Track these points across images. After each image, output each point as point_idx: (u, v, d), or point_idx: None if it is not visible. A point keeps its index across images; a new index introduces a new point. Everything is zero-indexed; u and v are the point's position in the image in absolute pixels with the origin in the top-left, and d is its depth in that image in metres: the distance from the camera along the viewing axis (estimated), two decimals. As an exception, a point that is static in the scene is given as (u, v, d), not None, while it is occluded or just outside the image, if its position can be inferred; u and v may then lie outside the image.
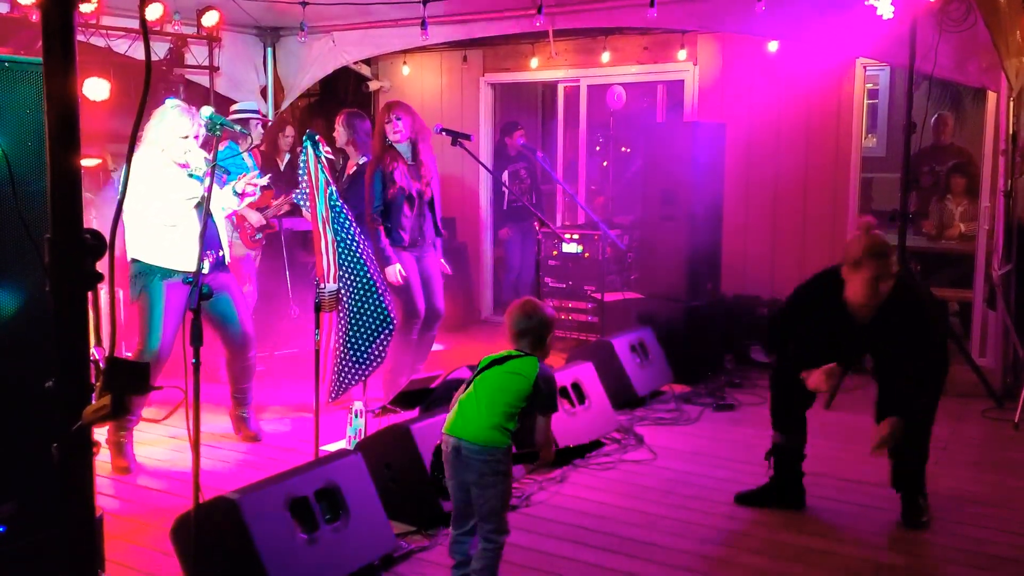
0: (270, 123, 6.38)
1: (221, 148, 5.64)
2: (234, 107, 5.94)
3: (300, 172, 4.03)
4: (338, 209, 4.03)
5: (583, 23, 6.76)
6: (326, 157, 3.99)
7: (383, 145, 5.21)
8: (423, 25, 5.71)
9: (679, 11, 6.37)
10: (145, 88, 1.49)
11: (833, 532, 3.81)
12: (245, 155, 5.84)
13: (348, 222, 4.05)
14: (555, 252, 6.83)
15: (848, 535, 3.78)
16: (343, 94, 9.14)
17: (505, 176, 7.81)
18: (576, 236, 6.93)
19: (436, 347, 5.89)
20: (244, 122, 5.75)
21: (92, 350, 1.35)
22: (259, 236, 6.07)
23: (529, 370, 2.96)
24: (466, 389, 3.05)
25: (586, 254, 6.88)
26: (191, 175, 4.20)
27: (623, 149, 8.60)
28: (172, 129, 4.29)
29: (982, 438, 5.08)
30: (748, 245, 7.09)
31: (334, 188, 3.98)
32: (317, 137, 4.00)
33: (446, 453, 2.98)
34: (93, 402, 1.28)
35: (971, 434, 5.14)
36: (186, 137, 4.30)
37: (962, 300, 6.93)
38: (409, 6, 6.00)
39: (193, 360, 2.76)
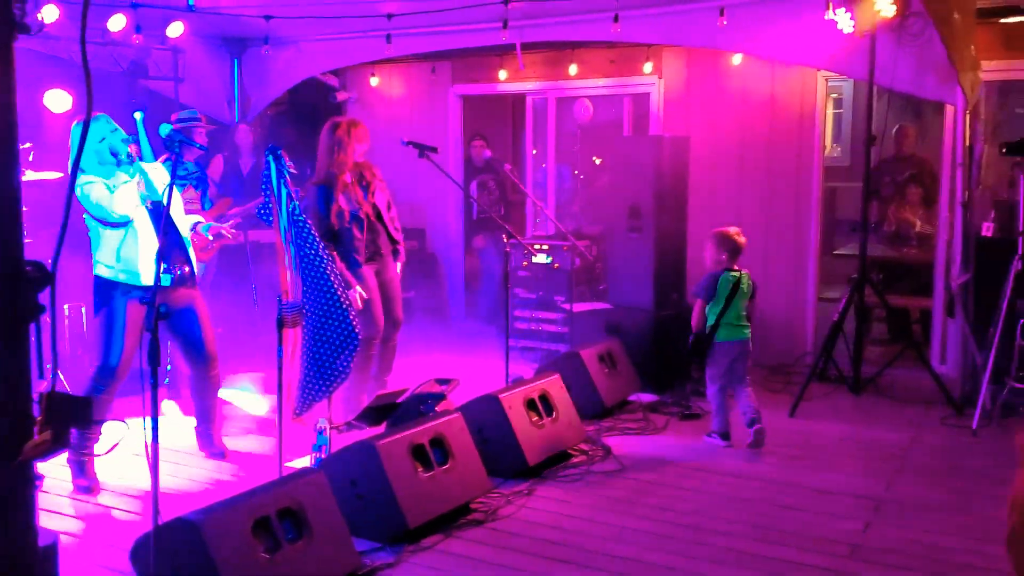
0: (214, 128, 6.31)
1: (160, 162, 5.60)
2: (176, 116, 5.88)
3: (263, 187, 4.01)
4: (301, 223, 4.02)
5: (550, 36, 6.80)
6: (289, 172, 3.97)
7: (328, 172, 5.08)
8: (388, 39, 5.70)
9: (645, 25, 6.43)
10: (88, 102, 1.47)
11: (797, 540, 3.85)
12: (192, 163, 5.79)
13: (312, 237, 4.03)
14: (525, 263, 6.85)
15: (812, 544, 3.81)
16: (312, 104, 9.10)
17: (473, 187, 7.82)
18: (546, 247, 6.95)
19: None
20: (187, 131, 5.69)
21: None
22: (210, 247, 5.95)
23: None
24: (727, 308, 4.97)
25: (556, 265, 6.90)
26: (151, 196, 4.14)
27: (594, 159, 8.64)
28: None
29: (941, 445, 5.16)
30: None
31: (297, 203, 3.96)
32: (280, 151, 3.98)
33: (739, 351, 4.97)
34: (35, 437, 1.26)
35: (931, 441, 5.22)
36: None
37: (923, 309, 7.04)
38: (376, 19, 6.00)
39: (151, 380, 2.73)
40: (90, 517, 4.08)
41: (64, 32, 6.60)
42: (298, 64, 7.66)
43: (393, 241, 5.38)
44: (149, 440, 2.85)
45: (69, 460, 4.45)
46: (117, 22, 6.57)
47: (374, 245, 5.24)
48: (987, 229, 6.17)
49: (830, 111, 11.98)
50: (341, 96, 8.18)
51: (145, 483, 4.43)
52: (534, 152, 8.07)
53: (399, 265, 5.45)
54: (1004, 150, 5.47)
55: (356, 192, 5.15)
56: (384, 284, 5.28)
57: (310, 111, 8.57)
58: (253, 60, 7.88)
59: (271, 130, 9.23)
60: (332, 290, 4.05)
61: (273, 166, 3.99)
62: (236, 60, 7.95)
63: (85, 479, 4.38)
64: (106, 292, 4.29)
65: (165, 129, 3.54)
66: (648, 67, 7.21)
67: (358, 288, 4.99)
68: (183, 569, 2.96)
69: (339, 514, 3.45)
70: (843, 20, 5.70)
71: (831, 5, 5.63)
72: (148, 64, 7.33)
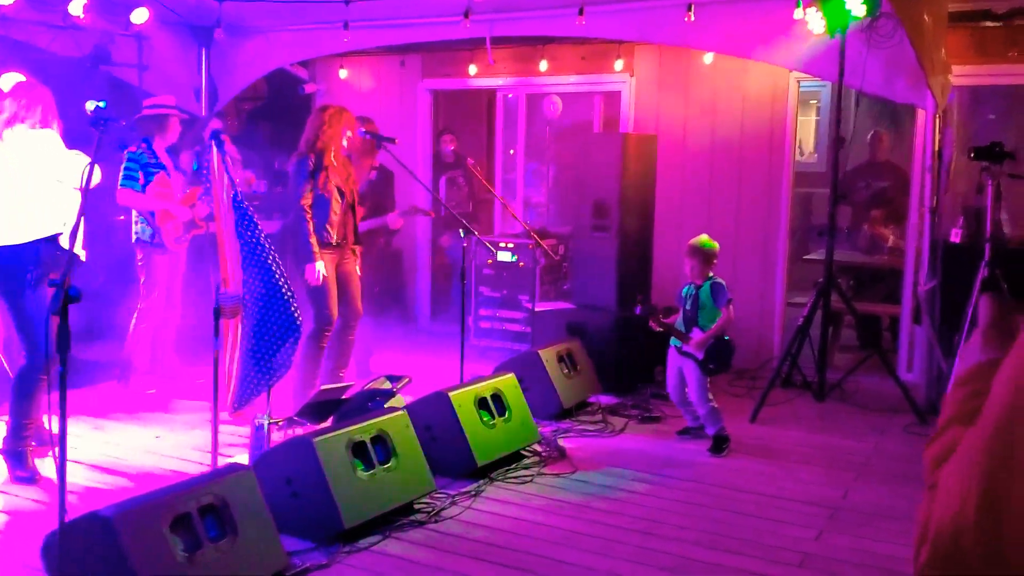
0: (188, 118, 6.15)
1: (133, 151, 5.45)
2: (148, 102, 5.71)
3: (204, 172, 3.87)
4: (243, 211, 3.88)
5: (520, 31, 6.69)
6: (231, 157, 3.83)
7: (320, 145, 5.06)
8: (345, 26, 5.57)
9: (616, 21, 6.33)
10: None
11: (747, 548, 3.74)
12: (163, 152, 5.63)
13: (253, 225, 3.90)
14: (490, 261, 6.72)
15: (762, 552, 3.71)
16: (288, 100, 8.94)
17: (443, 183, 7.70)
18: (511, 245, 6.83)
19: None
20: (160, 118, 5.53)
21: None
22: (184, 237, 5.80)
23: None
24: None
25: (521, 263, 6.78)
26: None
27: (560, 159, 8.53)
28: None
29: (903, 453, 5.07)
30: (680, 257, 7.03)
31: (238, 190, 3.83)
32: (223, 135, 3.85)
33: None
34: None
35: (893, 449, 5.13)
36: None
37: (893, 315, 6.96)
38: (338, 7, 5.86)
39: (59, 368, 2.59)
40: (16, 512, 3.92)
41: (21, 15, 6.46)
42: (265, 54, 7.51)
43: (357, 239, 5.29)
44: (54, 429, 2.71)
45: (4, 452, 4.30)
46: (78, 5, 6.41)
47: (344, 230, 5.15)
48: (955, 235, 6.09)
49: (810, 117, 11.97)
50: (310, 88, 8.03)
51: (96, 476, 4.30)
52: (511, 152, 7.95)
53: (358, 267, 5.34)
54: (972, 155, 5.39)
55: (341, 173, 5.11)
56: (343, 277, 5.17)
57: (286, 106, 8.43)
58: (220, 49, 7.72)
59: (248, 124, 9.08)
60: (274, 279, 3.92)
61: (215, 151, 3.85)
62: (203, 49, 7.78)
63: (25, 470, 4.23)
64: None
65: (91, 105, 3.36)
66: (619, 64, 7.11)
67: (320, 263, 4.89)
68: (95, 566, 2.83)
69: (267, 513, 3.32)
70: (813, 20, 5.61)
71: (801, 4, 5.55)
72: (111, 51, 7.16)
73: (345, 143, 5.16)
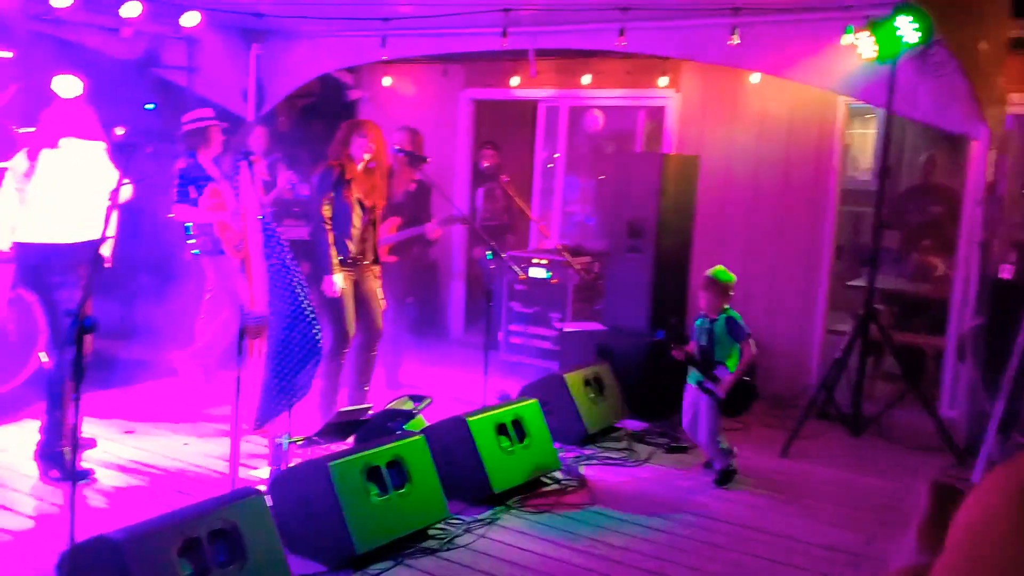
0: (227, 126, 6.22)
1: (182, 167, 5.55)
2: (186, 117, 5.78)
3: (235, 191, 3.91)
4: (270, 233, 3.91)
5: (562, 44, 6.62)
6: (263, 180, 3.86)
7: (345, 157, 5.08)
8: (383, 42, 5.58)
9: (659, 38, 6.23)
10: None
11: (762, 596, 3.67)
12: (209, 164, 5.70)
13: (280, 247, 3.92)
14: (522, 277, 6.69)
15: (776, 601, 3.63)
16: (339, 97, 8.97)
17: (480, 195, 7.68)
18: (545, 262, 6.79)
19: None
20: (201, 131, 5.60)
21: None
22: (242, 244, 5.88)
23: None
24: None
25: (554, 280, 6.73)
26: None
27: (599, 177, 8.45)
28: None
29: (936, 498, 4.90)
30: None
31: (266, 213, 3.86)
32: (252, 157, 3.88)
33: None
34: None
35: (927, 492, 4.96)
36: None
37: (938, 348, 6.75)
38: (378, 20, 5.87)
39: (74, 396, 2.65)
40: (42, 516, 4.01)
41: (75, 17, 6.60)
42: (311, 59, 7.57)
43: (376, 258, 5.28)
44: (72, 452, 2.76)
45: (39, 455, 4.42)
46: (131, 9, 6.53)
47: (363, 244, 5.15)
48: (1006, 271, 5.89)
49: (867, 131, 11.66)
50: (354, 94, 8.08)
51: (112, 480, 4.38)
52: (549, 165, 7.89)
53: (379, 287, 5.33)
54: (1025, 190, 5.20)
55: (364, 186, 5.09)
56: (363, 295, 5.17)
57: (338, 105, 8.46)
58: (269, 53, 7.81)
59: (300, 120, 9.15)
60: (299, 302, 3.94)
61: (246, 172, 3.89)
62: (253, 52, 7.86)
63: (62, 471, 4.34)
64: None
65: (119, 131, 3.43)
66: (664, 80, 7.01)
67: (338, 275, 4.92)
68: (101, 589, 2.87)
69: (278, 538, 3.34)
70: (864, 45, 5.45)
71: (852, 29, 5.39)
72: (161, 53, 7.29)
73: (367, 156, 5.08)
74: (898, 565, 0.92)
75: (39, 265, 4.41)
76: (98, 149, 4.61)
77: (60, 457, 4.37)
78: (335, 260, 4.95)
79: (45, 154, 4.43)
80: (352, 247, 5.06)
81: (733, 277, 4.87)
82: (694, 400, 4.89)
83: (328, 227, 4.96)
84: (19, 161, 4.47)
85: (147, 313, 6.32)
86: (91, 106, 4.65)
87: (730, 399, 4.75)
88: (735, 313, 4.84)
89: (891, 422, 5.97)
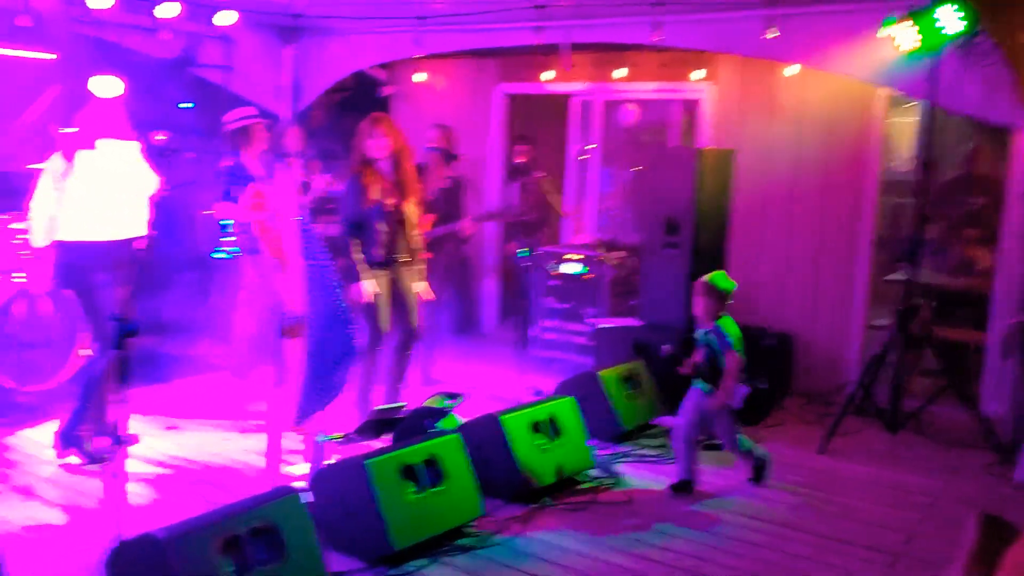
0: (270, 123, 6.26)
1: (226, 166, 5.61)
2: (228, 117, 5.82)
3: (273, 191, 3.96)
4: (307, 233, 3.95)
5: (597, 38, 6.59)
6: (299, 181, 3.90)
7: (363, 159, 5.10)
8: (417, 42, 5.59)
9: (695, 31, 6.17)
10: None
11: (799, 597, 3.64)
12: (253, 163, 5.75)
13: (318, 246, 3.96)
14: (555, 272, 6.68)
15: (813, 602, 3.61)
16: (373, 91, 8.97)
17: (515, 189, 7.66)
18: (579, 256, 6.77)
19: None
20: (244, 130, 5.64)
21: None
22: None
23: None
24: None
25: (589, 275, 6.72)
26: None
27: (633, 168, 8.39)
28: None
29: (977, 496, 4.84)
30: (759, 274, 6.87)
31: (303, 213, 3.90)
32: (288, 157, 3.91)
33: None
34: None
35: (965, 490, 4.90)
36: None
37: (979, 344, 6.63)
38: (413, 18, 5.88)
39: (121, 398, 2.71)
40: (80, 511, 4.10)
41: (115, 18, 6.70)
42: (347, 57, 7.62)
43: (412, 255, 5.28)
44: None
45: (58, 433, 4.58)
46: (168, 9, 6.62)
47: (394, 247, 5.17)
48: (1050, 265, 5.77)
49: (909, 119, 11.45)
50: (387, 90, 8.11)
51: (153, 476, 4.47)
52: (582, 157, 7.85)
53: (420, 285, 5.35)
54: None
55: (384, 186, 5.08)
56: (399, 293, 5.19)
57: (373, 99, 8.48)
58: (304, 50, 7.87)
59: (335, 115, 9.21)
60: (336, 302, 3.98)
61: (282, 173, 3.93)
62: (288, 50, 7.93)
63: (81, 453, 4.53)
64: None
65: (160, 137, 3.49)
66: (700, 73, 6.95)
67: (366, 283, 4.95)
68: (146, 586, 2.94)
69: (315, 536, 3.38)
70: (905, 36, 5.36)
71: (895, 19, 5.30)
72: (198, 53, 7.37)
73: (385, 154, 5.05)
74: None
75: (78, 264, 4.53)
76: (133, 149, 4.72)
77: (80, 440, 4.56)
78: (362, 268, 4.98)
79: (81, 155, 4.53)
80: (381, 251, 5.08)
81: (733, 284, 4.62)
82: (698, 402, 4.65)
83: (355, 237, 4.99)
84: (55, 162, 4.58)
85: (188, 309, 6.41)
86: (124, 107, 4.73)
87: (744, 407, 4.58)
88: (728, 320, 4.59)
89: (930, 418, 5.89)
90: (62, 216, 4.54)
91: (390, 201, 5.07)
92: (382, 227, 5.05)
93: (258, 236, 5.48)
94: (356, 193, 5.01)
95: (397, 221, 5.13)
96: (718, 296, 4.55)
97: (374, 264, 5.05)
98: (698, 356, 4.63)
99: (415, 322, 5.29)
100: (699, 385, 4.64)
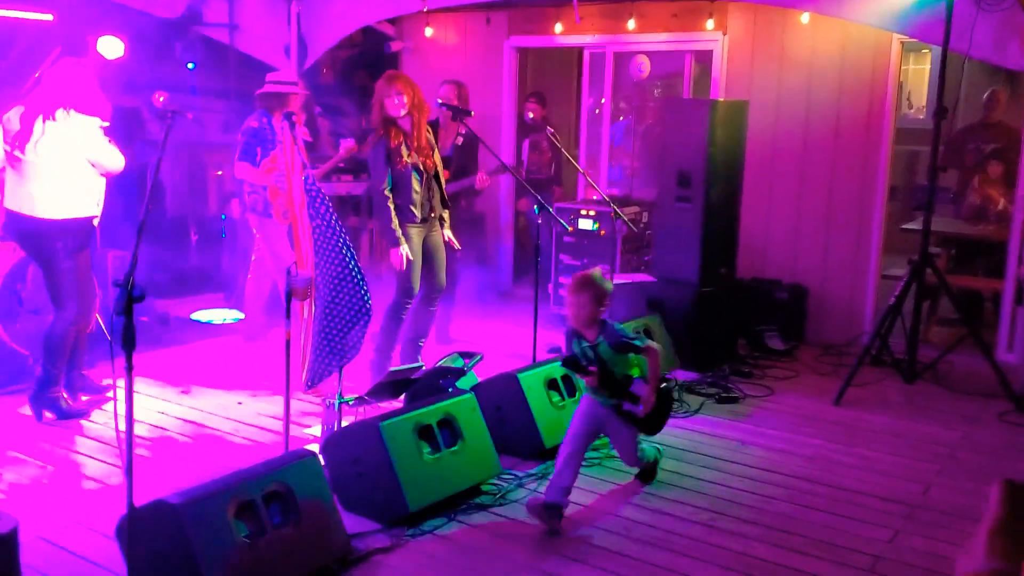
0: (309, 95, 6.15)
1: (255, 126, 5.53)
2: (271, 77, 5.72)
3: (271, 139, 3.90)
4: (315, 194, 3.91)
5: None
6: (304, 140, 3.85)
7: (385, 119, 5.03)
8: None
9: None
10: None
11: (814, 549, 3.64)
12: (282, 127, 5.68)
13: (325, 207, 3.92)
14: (571, 228, 6.63)
15: (829, 554, 3.61)
16: (382, 47, 8.84)
17: (525, 146, 7.60)
18: (592, 213, 6.71)
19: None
20: (283, 95, 5.54)
21: None
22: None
23: None
24: None
25: (602, 232, 6.67)
26: None
27: (647, 124, 8.27)
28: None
29: (994, 444, 4.82)
30: (770, 226, 6.81)
31: (309, 173, 3.85)
32: (294, 117, 3.86)
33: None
34: None
35: (983, 439, 4.88)
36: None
37: (996, 291, 6.57)
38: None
39: (126, 365, 2.70)
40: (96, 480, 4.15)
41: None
42: (352, 12, 7.50)
43: (445, 204, 5.26)
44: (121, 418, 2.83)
45: (30, 397, 4.70)
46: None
47: (429, 204, 5.14)
48: (1068, 211, 5.68)
49: (923, 66, 11.22)
50: (395, 46, 8.00)
51: (167, 438, 4.51)
52: (596, 111, 7.75)
53: (446, 233, 5.32)
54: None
55: (416, 144, 5.03)
56: (429, 249, 5.18)
57: (381, 55, 8.37)
58: (309, 7, 7.75)
59: (344, 73, 9.11)
60: (345, 262, 3.95)
61: (289, 133, 3.88)
62: (293, 7, 7.82)
63: (57, 411, 4.68)
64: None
65: (159, 98, 3.44)
66: (711, 23, 6.81)
67: (404, 248, 4.93)
68: (161, 552, 2.96)
69: (331, 499, 3.40)
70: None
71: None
72: (203, 11, 7.28)
73: (404, 111, 4.94)
74: (965, 570, 0.88)
75: (31, 234, 4.56)
76: (93, 125, 4.55)
77: (55, 401, 4.66)
78: (399, 233, 4.94)
79: (40, 125, 4.42)
80: (417, 212, 5.04)
81: (611, 284, 3.99)
82: (594, 414, 3.89)
83: (390, 202, 4.94)
84: (12, 118, 4.48)
85: (200, 272, 6.42)
86: (95, 79, 4.57)
87: (653, 414, 3.92)
88: (619, 326, 3.91)
89: (947, 368, 5.85)
90: (14, 185, 4.53)
91: (420, 159, 5.02)
92: (416, 186, 5.01)
93: (271, 201, 5.47)
94: (387, 155, 4.94)
95: (431, 178, 5.10)
96: (595, 294, 3.80)
97: (412, 220, 5.02)
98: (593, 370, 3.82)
99: (442, 279, 5.28)
100: (603, 402, 3.89)
